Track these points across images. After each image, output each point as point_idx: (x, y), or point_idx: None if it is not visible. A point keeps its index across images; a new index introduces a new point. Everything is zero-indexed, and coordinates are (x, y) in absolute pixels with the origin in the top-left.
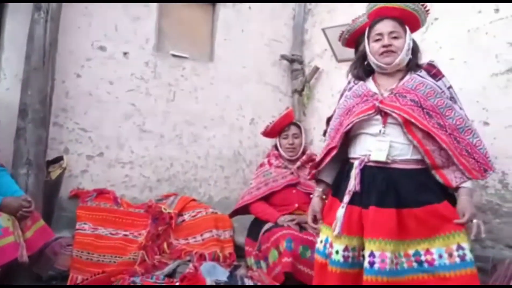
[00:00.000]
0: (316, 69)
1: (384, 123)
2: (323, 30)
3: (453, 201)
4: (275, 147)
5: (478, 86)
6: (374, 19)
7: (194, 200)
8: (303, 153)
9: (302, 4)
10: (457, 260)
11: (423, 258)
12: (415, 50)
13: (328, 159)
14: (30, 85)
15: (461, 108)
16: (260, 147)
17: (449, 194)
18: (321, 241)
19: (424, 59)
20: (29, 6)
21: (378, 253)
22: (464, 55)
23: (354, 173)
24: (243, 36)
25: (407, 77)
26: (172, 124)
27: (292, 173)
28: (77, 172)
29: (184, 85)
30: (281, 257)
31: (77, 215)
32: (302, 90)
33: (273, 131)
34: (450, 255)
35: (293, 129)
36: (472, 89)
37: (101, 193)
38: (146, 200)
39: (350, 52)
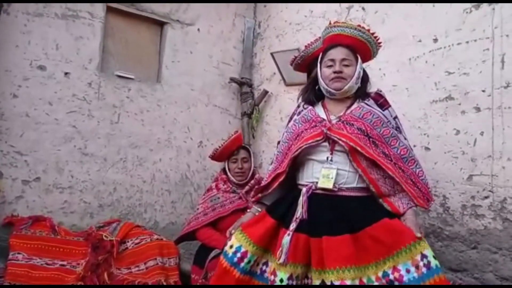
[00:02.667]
0: (265, 92)
1: (332, 150)
2: (272, 54)
3: None
4: (223, 171)
5: (419, 112)
6: (328, 44)
7: (138, 226)
8: (252, 176)
9: (252, 28)
10: (424, 270)
11: (391, 277)
12: (364, 79)
13: (275, 184)
14: None
15: (405, 138)
16: (209, 170)
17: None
18: (231, 246)
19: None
20: None
21: (338, 282)
22: (406, 82)
23: (302, 201)
24: (192, 58)
25: (355, 105)
26: (116, 147)
27: (240, 197)
28: (12, 198)
29: (129, 106)
30: None
31: (10, 244)
32: (252, 113)
33: (222, 155)
34: (417, 267)
35: (242, 153)
36: (414, 115)
37: (37, 220)
38: (86, 227)
39: (298, 76)
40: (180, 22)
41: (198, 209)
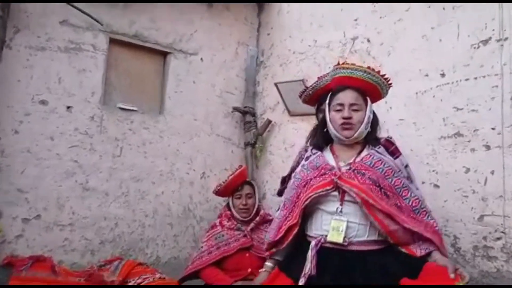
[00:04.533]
0: (269, 122)
1: (342, 200)
2: (276, 84)
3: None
4: (227, 206)
5: (427, 148)
6: (337, 86)
7: (140, 264)
8: (257, 213)
9: (254, 56)
10: None
11: None
12: (374, 123)
13: (290, 238)
14: None
15: (417, 188)
16: (212, 202)
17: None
18: None
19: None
20: None
21: None
22: (413, 117)
23: (310, 255)
24: (194, 88)
25: (365, 151)
26: (118, 181)
27: (245, 235)
28: (12, 237)
29: (132, 139)
30: None
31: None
32: (255, 142)
33: (226, 191)
34: None
35: (246, 189)
36: (422, 151)
37: (37, 260)
38: (87, 265)
39: (302, 107)
40: (183, 52)
41: (202, 247)
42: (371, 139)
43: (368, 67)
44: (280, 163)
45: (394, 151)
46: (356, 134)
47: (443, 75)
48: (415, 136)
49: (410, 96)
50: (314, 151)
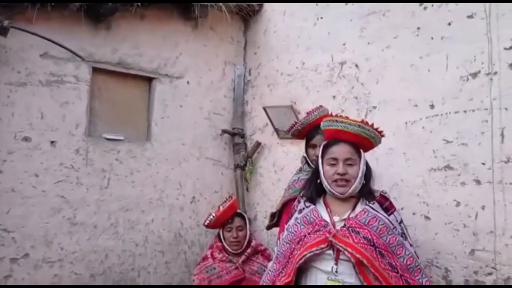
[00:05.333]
0: (258, 144)
1: (337, 259)
2: (264, 108)
3: None
4: (218, 237)
5: (418, 179)
6: (330, 139)
7: None
8: (248, 244)
9: (242, 75)
10: None
11: None
12: (367, 175)
13: None
14: None
15: (411, 245)
16: (202, 226)
17: None
18: None
19: None
20: None
21: None
22: (403, 146)
23: None
24: (181, 112)
25: (360, 206)
26: (107, 213)
27: (237, 267)
28: (0, 278)
29: (119, 169)
30: None
31: None
32: (245, 165)
33: (216, 224)
34: None
35: (237, 221)
36: (412, 182)
37: None
38: None
39: None
40: (168, 76)
41: (193, 280)
42: (366, 192)
43: (362, 121)
44: (270, 185)
45: (388, 207)
46: (350, 190)
47: (432, 106)
48: (405, 166)
49: (399, 126)
50: (307, 204)
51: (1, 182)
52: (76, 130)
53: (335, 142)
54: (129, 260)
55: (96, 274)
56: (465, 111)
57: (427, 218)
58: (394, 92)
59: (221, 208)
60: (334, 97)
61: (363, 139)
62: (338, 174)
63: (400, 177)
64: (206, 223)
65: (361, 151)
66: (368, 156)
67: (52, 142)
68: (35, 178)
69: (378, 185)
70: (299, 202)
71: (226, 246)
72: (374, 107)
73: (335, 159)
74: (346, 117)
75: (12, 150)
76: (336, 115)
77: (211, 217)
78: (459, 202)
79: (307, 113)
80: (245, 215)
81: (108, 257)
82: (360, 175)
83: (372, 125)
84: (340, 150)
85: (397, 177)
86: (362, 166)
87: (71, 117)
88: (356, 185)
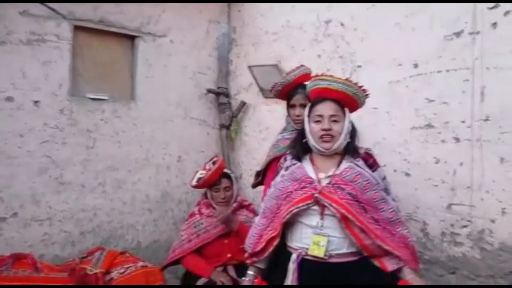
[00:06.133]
0: (243, 104)
1: (322, 214)
2: (249, 67)
3: None
4: (205, 195)
5: (399, 137)
6: (315, 98)
7: (122, 253)
8: (235, 199)
9: (226, 33)
10: None
11: None
12: (353, 133)
13: (270, 249)
14: None
15: (393, 199)
16: (189, 184)
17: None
18: None
19: None
20: None
21: None
22: (386, 106)
23: (292, 268)
24: (166, 71)
25: (345, 163)
26: (94, 172)
27: None
28: None
29: (104, 129)
30: None
31: None
32: (230, 124)
33: (204, 185)
34: None
35: (224, 182)
36: (394, 140)
37: (17, 258)
38: (69, 257)
39: None
40: (151, 35)
41: (182, 235)
42: (351, 150)
43: (346, 79)
44: (255, 144)
45: (373, 164)
46: (335, 146)
47: (416, 65)
48: (388, 125)
49: (383, 85)
50: (293, 161)
51: None
52: (60, 89)
53: (321, 100)
54: (118, 218)
55: (85, 232)
56: (447, 70)
57: (407, 174)
58: (379, 52)
59: (207, 167)
60: (319, 56)
61: (348, 97)
62: (323, 130)
63: (382, 136)
64: (193, 184)
65: (346, 109)
66: (352, 114)
67: (35, 102)
68: (20, 138)
69: (361, 144)
70: (285, 159)
71: (214, 205)
72: (359, 67)
73: (320, 115)
74: (331, 76)
75: None
76: (322, 74)
77: (198, 176)
78: (438, 159)
79: (287, 73)
80: (232, 175)
81: (96, 215)
82: (345, 131)
83: (356, 83)
84: (325, 107)
85: (379, 136)
86: (347, 124)
87: (54, 76)
88: (341, 141)
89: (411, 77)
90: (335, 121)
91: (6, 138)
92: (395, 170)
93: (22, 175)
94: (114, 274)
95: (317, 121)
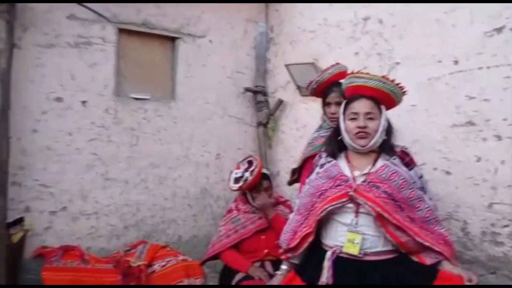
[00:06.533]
0: (280, 102)
1: (357, 212)
2: (286, 66)
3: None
4: (242, 192)
5: (439, 135)
6: (351, 95)
7: (163, 247)
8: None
9: (264, 32)
10: None
11: None
12: (389, 130)
13: (305, 245)
14: None
15: (430, 198)
16: (227, 181)
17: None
18: None
19: None
20: None
21: None
22: (425, 103)
23: (327, 265)
24: (205, 71)
25: (380, 161)
26: (137, 169)
27: (260, 217)
28: (40, 229)
29: (146, 127)
30: None
31: (43, 278)
32: (267, 122)
33: (245, 189)
34: None
35: (264, 183)
36: (434, 138)
37: (66, 250)
38: (114, 249)
39: None
40: (191, 35)
41: (220, 230)
42: (387, 147)
43: (383, 76)
44: (293, 142)
45: (409, 162)
46: (371, 143)
47: (456, 62)
48: (427, 122)
49: (422, 82)
50: (328, 159)
51: (37, 140)
52: (105, 90)
53: (356, 97)
54: (159, 213)
55: (129, 226)
56: (488, 67)
57: (447, 173)
58: (418, 48)
59: (241, 166)
60: (356, 53)
61: (384, 94)
62: (358, 127)
63: (422, 133)
64: (234, 189)
65: (382, 107)
66: (390, 112)
67: (83, 102)
68: (69, 136)
69: (399, 141)
70: (320, 157)
71: (252, 203)
72: (397, 63)
73: (356, 113)
74: (367, 73)
75: (45, 110)
76: (357, 72)
77: (234, 176)
78: (479, 157)
79: (322, 71)
80: (270, 175)
81: (139, 210)
82: (381, 129)
83: (393, 81)
84: (361, 105)
85: (419, 133)
86: (383, 121)
87: (100, 77)
88: (376, 139)
89: (451, 74)
90: (370, 118)
91: (56, 136)
92: (435, 169)
93: (70, 171)
94: (156, 266)
95: (353, 119)
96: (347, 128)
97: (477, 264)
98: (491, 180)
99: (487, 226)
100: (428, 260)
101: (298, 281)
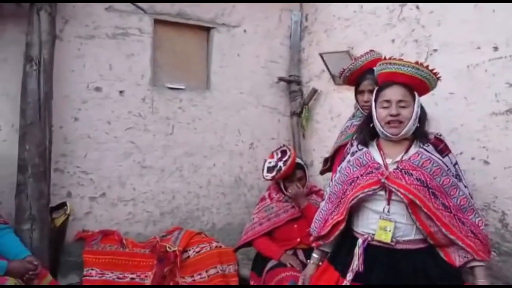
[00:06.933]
0: (314, 91)
1: (389, 199)
2: (321, 55)
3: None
4: (276, 181)
5: (478, 123)
6: (383, 82)
7: (198, 233)
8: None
9: (298, 21)
10: None
11: None
12: (422, 117)
13: (336, 233)
14: (27, 140)
15: (465, 186)
16: (261, 171)
17: (449, 276)
18: None
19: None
20: (19, 55)
21: None
22: (464, 91)
23: (358, 253)
24: (239, 61)
25: (413, 149)
26: (172, 157)
27: (293, 206)
28: (81, 214)
29: (182, 117)
30: None
31: (84, 260)
32: (301, 112)
33: (279, 178)
34: None
35: (298, 173)
36: (473, 127)
37: (106, 234)
38: (150, 234)
39: None
40: (226, 25)
41: (253, 218)
42: (420, 135)
43: (416, 62)
44: (327, 132)
45: (443, 149)
46: (403, 131)
47: (496, 48)
48: (465, 111)
49: (461, 69)
50: (360, 146)
51: (77, 129)
52: (142, 80)
53: (388, 84)
54: (194, 200)
55: (165, 213)
56: None
57: (486, 162)
58: (456, 35)
59: (275, 155)
60: (393, 40)
61: (418, 81)
62: (391, 115)
63: (460, 122)
64: (268, 178)
65: (416, 93)
66: (427, 100)
67: (120, 92)
68: (108, 125)
69: (436, 130)
70: (351, 145)
71: (286, 193)
72: (435, 50)
73: (388, 101)
74: (400, 59)
75: (85, 100)
76: (390, 58)
77: (267, 165)
78: None
79: (355, 58)
80: (304, 165)
81: (175, 197)
82: (414, 116)
83: (427, 67)
84: (393, 92)
85: (456, 122)
86: (416, 108)
87: (137, 68)
88: (409, 127)
89: (490, 60)
90: (403, 106)
91: (95, 125)
92: (473, 158)
93: (109, 159)
94: (191, 252)
95: (385, 107)
96: (379, 116)
97: None
98: None
99: None
100: (457, 259)
101: (331, 271)
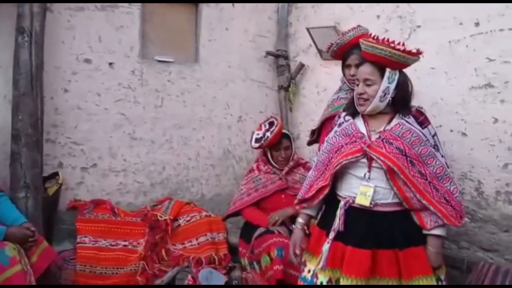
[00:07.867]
0: (301, 65)
1: (370, 167)
2: (308, 29)
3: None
4: (263, 153)
5: (457, 97)
6: (362, 59)
7: (188, 203)
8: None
9: None
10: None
11: None
12: (402, 91)
13: (320, 197)
14: (20, 110)
15: (442, 156)
16: (249, 143)
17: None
18: (309, 271)
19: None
20: (12, 27)
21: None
22: (445, 66)
23: (339, 214)
24: (227, 35)
25: (395, 120)
26: (162, 129)
27: (280, 178)
28: (73, 184)
29: (171, 89)
30: (272, 263)
31: (77, 228)
32: (288, 86)
33: (265, 146)
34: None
35: (284, 142)
36: (452, 100)
37: (98, 204)
38: (141, 204)
39: None
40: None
41: (241, 189)
42: (402, 107)
43: (390, 43)
44: (313, 106)
45: (423, 121)
46: (369, 108)
47: (477, 24)
48: (446, 85)
49: (443, 45)
50: (347, 118)
51: (68, 100)
52: (131, 52)
53: (362, 62)
54: (184, 172)
55: (155, 183)
56: (510, 29)
57: (464, 134)
58: (440, 11)
59: (263, 127)
60: (378, 16)
61: (387, 61)
62: (357, 93)
63: (440, 96)
64: (255, 146)
65: (387, 70)
66: (410, 75)
67: (110, 64)
68: (98, 97)
69: (418, 103)
70: (339, 117)
71: (273, 163)
72: (418, 27)
73: (358, 79)
74: (374, 38)
75: (75, 71)
76: (373, 37)
77: (255, 136)
78: (496, 118)
79: (342, 33)
80: (291, 135)
81: (165, 169)
82: (380, 93)
83: (401, 49)
84: (361, 71)
85: (437, 96)
86: (385, 85)
87: (126, 40)
88: (375, 103)
89: (471, 36)
90: (368, 84)
91: (86, 96)
92: (451, 130)
93: (100, 130)
94: (181, 221)
95: (357, 84)
96: (355, 92)
97: (489, 222)
98: (507, 141)
99: (502, 186)
100: (428, 223)
101: (325, 238)
